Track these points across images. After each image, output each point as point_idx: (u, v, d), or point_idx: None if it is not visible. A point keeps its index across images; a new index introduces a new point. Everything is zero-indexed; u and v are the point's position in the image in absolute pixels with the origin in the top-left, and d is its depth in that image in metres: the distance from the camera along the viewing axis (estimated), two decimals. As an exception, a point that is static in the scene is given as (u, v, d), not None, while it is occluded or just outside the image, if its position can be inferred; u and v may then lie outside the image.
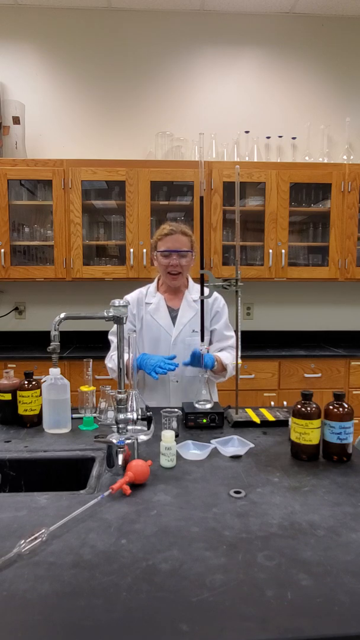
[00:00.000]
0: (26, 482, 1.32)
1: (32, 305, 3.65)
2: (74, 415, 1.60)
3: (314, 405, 1.29)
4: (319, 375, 3.19)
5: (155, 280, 2.05)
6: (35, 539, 0.87)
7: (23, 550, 0.85)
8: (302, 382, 3.18)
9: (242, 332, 1.71)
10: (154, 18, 3.53)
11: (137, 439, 1.25)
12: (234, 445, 1.38)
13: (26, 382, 1.58)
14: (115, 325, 1.34)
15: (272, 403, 3.16)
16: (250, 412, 1.67)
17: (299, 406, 1.30)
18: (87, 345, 3.47)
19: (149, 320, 1.94)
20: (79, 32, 3.51)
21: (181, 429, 1.55)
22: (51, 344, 1.35)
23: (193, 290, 2.00)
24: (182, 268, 1.89)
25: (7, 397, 1.60)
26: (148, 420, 1.44)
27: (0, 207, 3.17)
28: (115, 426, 1.29)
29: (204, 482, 1.16)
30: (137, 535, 0.91)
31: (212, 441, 1.37)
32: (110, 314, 1.31)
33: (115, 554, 0.85)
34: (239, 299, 1.63)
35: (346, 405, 1.29)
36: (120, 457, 1.19)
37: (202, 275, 1.66)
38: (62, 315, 1.35)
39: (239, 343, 1.67)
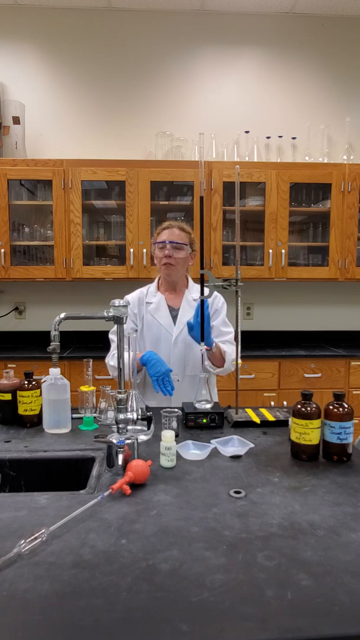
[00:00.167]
0: (26, 482, 1.32)
1: (32, 305, 3.65)
2: (74, 415, 1.60)
3: (314, 405, 1.29)
4: (319, 375, 3.19)
5: (156, 280, 2.05)
6: (35, 539, 0.87)
7: (23, 550, 0.85)
8: (302, 382, 3.18)
9: (242, 332, 1.71)
10: (154, 18, 3.53)
11: (137, 439, 1.25)
12: (234, 445, 1.38)
13: (26, 382, 1.58)
14: (116, 325, 1.34)
15: (272, 403, 3.16)
16: (250, 412, 1.67)
17: (299, 406, 1.30)
18: (87, 345, 3.47)
19: (150, 319, 1.95)
20: (79, 32, 3.51)
21: (181, 429, 1.55)
22: (51, 344, 1.35)
23: (193, 290, 2.01)
24: (177, 261, 1.89)
25: (7, 397, 1.59)
26: (148, 420, 1.44)
27: (0, 207, 3.17)
28: (115, 426, 1.29)
29: (204, 482, 1.16)
30: (137, 535, 0.91)
31: (212, 441, 1.37)
32: (110, 314, 1.31)
33: (115, 554, 0.85)
34: (239, 299, 1.63)
35: (346, 405, 1.29)
36: (120, 457, 1.18)
37: (202, 275, 1.66)
38: (62, 315, 1.35)
39: (239, 343, 1.67)
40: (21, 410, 1.58)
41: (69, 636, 0.67)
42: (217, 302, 1.99)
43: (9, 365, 3.01)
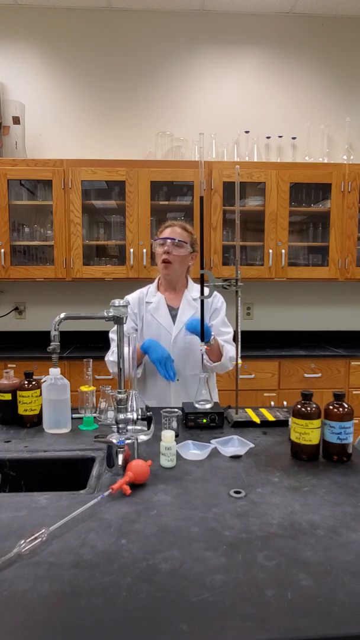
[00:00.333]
0: (26, 482, 1.32)
1: (32, 305, 3.65)
2: (74, 415, 1.60)
3: (314, 405, 1.29)
4: (319, 375, 3.19)
5: (156, 280, 2.05)
6: (35, 539, 0.87)
7: (23, 550, 0.85)
8: (302, 382, 3.18)
9: (242, 332, 1.71)
10: (154, 18, 3.53)
11: (137, 439, 1.25)
12: (234, 445, 1.38)
13: (26, 382, 1.58)
14: (116, 325, 1.34)
15: (272, 403, 3.16)
16: (250, 412, 1.67)
17: (299, 406, 1.30)
18: (87, 345, 3.47)
19: (149, 319, 1.95)
20: (79, 32, 3.51)
21: (181, 429, 1.55)
22: (51, 344, 1.35)
23: (193, 289, 2.01)
24: (175, 258, 1.89)
25: (7, 397, 1.59)
26: (148, 420, 1.44)
27: (0, 207, 3.17)
28: (115, 426, 1.29)
29: (204, 482, 1.16)
30: (137, 535, 0.91)
31: (212, 441, 1.37)
32: (110, 314, 1.31)
33: (115, 554, 0.85)
34: (239, 299, 1.63)
35: (346, 405, 1.29)
36: (120, 457, 1.18)
37: (202, 275, 1.66)
38: (62, 315, 1.35)
39: (239, 343, 1.67)
40: (21, 410, 1.58)
41: (69, 636, 0.67)
42: (217, 301, 1.99)
43: (9, 365, 3.01)
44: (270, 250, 3.28)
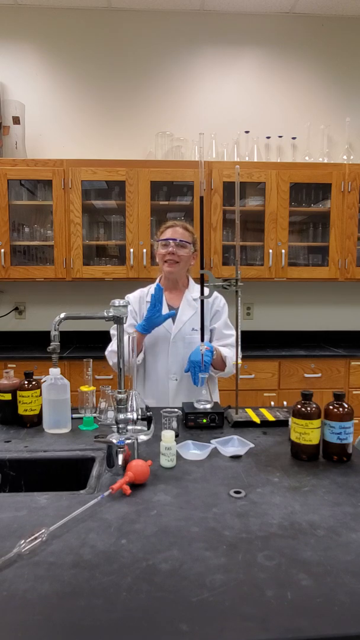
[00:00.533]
0: (26, 482, 1.32)
1: (32, 305, 3.65)
2: (74, 415, 1.60)
3: (314, 405, 1.29)
4: (319, 375, 3.19)
5: (157, 279, 2.05)
6: (35, 539, 0.87)
7: (23, 550, 0.85)
8: (302, 382, 3.18)
9: (242, 332, 1.71)
10: (154, 18, 3.53)
11: (137, 439, 1.25)
12: (234, 445, 1.38)
13: (26, 382, 1.58)
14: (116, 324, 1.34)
15: (272, 403, 3.16)
16: (250, 412, 1.67)
17: (299, 406, 1.30)
18: (87, 345, 3.47)
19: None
20: (79, 32, 3.51)
21: (181, 429, 1.55)
22: (51, 344, 1.35)
23: (193, 289, 2.01)
24: (179, 258, 1.89)
25: (7, 397, 1.59)
26: (148, 420, 1.44)
27: (0, 207, 3.17)
28: (115, 426, 1.29)
29: (204, 482, 1.16)
30: (137, 535, 0.91)
31: (212, 441, 1.37)
32: (110, 314, 1.31)
33: (115, 554, 0.85)
34: (239, 299, 1.63)
35: (346, 405, 1.29)
36: (120, 457, 1.18)
37: (202, 275, 1.66)
38: (62, 315, 1.35)
39: (239, 343, 1.67)
40: (21, 410, 1.57)
41: (69, 636, 0.67)
42: (218, 303, 1.99)
43: (9, 365, 3.01)
44: (270, 250, 3.28)
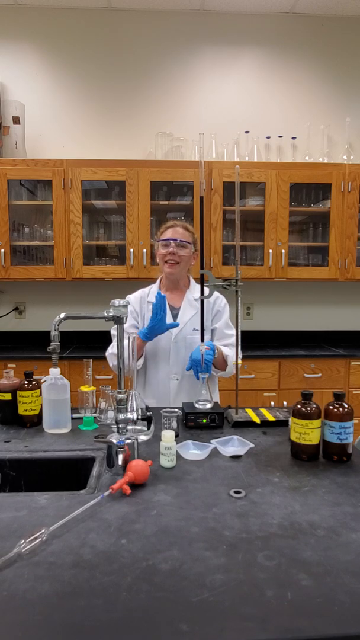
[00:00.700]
0: (26, 482, 1.32)
1: (32, 305, 3.65)
2: (74, 415, 1.60)
3: (314, 405, 1.29)
4: (319, 375, 3.19)
5: (158, 280, 2.06)
6: (35, 539, 0.87)
7: (23, 550, 0.85)
8: (302, 382, 3.18)
9: (242, 332, 1.71)
10: (154, 18, 3.53)
11: (137, 439, 1.25)
12: (234, 445, 1.38)
13: (26, 382, 1.58)
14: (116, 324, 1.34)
15: (272, 403, 3.16)
16: (250, 412, 1.67)
17: (299, 406, 1.30)
18: (87, 345, 3.47)
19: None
20: (79, 32, 3.51)
21: (181, 429, 1.55)
22: (51, 344, 1.34)
23: (194, 289, 2.01)
24: (180, 258, 1.89)
25: (7, 397, 1.59)
26: (148, 420, 1.44)
27: (0, 207, 3.17)
28: (115, 426, 1.29)
29: (204, 482, 1.16)
30: (137, 535, 0.91)
31: (212, 441, 1.37)
32: (110, 314, 1.31)
33: (115, 554, 0.85)
34: (239, 299, 1.63)
35: (346, 405, 1.29)
36: (120, 457, 1.18)
37: (202, 275, 1.66)
38: (62, 315, 1.35)
39: (239, 343, 1.67)
40: (21, 410, 1.57)
41: (69, 636, 0.67)
42: (219, 302, 1.99)
43: (9, 365, 3.01)
44: (270, 250, 3.28)
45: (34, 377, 1.59)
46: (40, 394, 1.57)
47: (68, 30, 3.50)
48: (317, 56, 3.63)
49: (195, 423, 1.56)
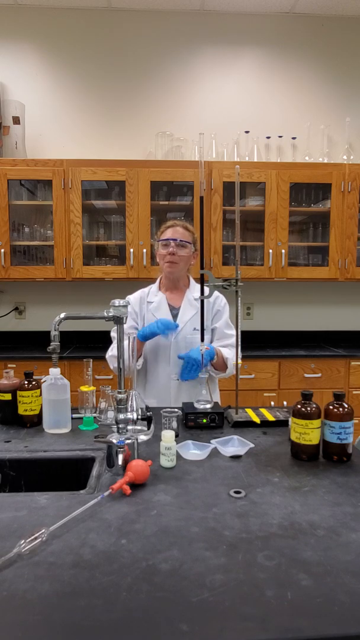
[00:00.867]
0: (26, 482, 1.32)
1: (32, 305, 3.65)
2: (74, 415, 1.60)
3: (314, 405, 1.29)
4: (319, 375, 3.19)
5: (158, 280, 2.06)
6: (35, 539, 0.87)
7: (23, 550, 0.85)
8: (302, 382, 3.18)
9: (242, 332, 1.71)
10: (154, 18, 3.53)
11: (137, 439, 1.25)
12: (234, 445, 1.38)
13: (26, 382, 1.58)
14: (116, 325, 1.34)
15: (272, 403, 3.16)
16: (250, 412, 1.67)
17: (299, 406, 1.30)
18: (87, 345, 3.47)
19: (150, 318, 1.95)
20: (79, 32, 3.51)
21: (181, 429, 1.55)
22: (51, 344, 1.35)
23: (194, 289, 2.01)
24: (180, 258, 1.89)
25: (7, 397, 1.59)
26: (148, 420, 1.44)
27: (0, 207, 3.17)
28: (115, 426, 1.29)
29: (204, 482, 1.16)
30: (137, 535, 0.91)
31: (212, 441, 1.37)
32: (110, 314, 1.31)
33: (115, 554, 0.85)
34: (239, 299, 1.63)
35: (346, 405, 1.29)
36: (120, 457, 1.18)
37: (202, 275, 1.66)
38: (62, 315, 1.35)
39: (239, 343, 1.67)
40: (21, 410, 1.57)
41: (69, 636, 0.67)
42: (219, 302, 1.99)
43: (9, 365, 3.01)
44: (270, 250, 3.28)
45: (34, 377, 1.59)
46: (40, 394, 1.57)
47: (68, 30, 3.50)
48: (317, 56, 3.63)
49: (195, 423, 1.56)
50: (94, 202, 3.35)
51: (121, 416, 1.28)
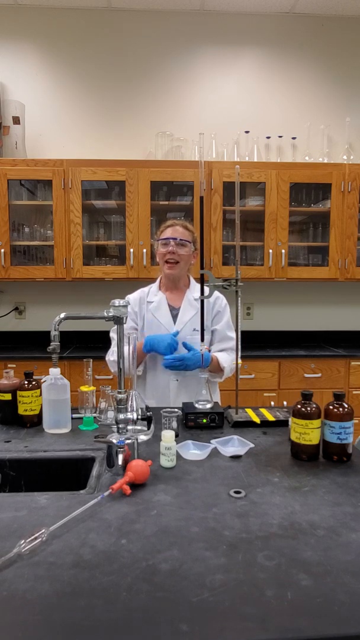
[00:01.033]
0: (26, 482, 1.32)
1: (32, 305, 3.65)
2: (74, 415, 1.60)
3: (314, 405, 1.29)
4: (319, 375, 3.19)
5: (158, 279, 2.05)
6: (35, 539, 0.87)
7: (23, 550, 0.85)
8: (302, 382, 3.18)
9: (242, 332, 1.71)
10: (154, 18, 3.53)
11: (137, 439, 1.25)
12: (234, 445, 1.38)
13: (26, 382, 1.58)
14: (116, 325, 1.34)
15: (272, 403, 3.16)
16: (250, 412, 1.67)
17: (299, 406, 1.30)
18: (87, 345, 3.47)
19: (150, 318, 1.95)
20: (79, 32, 3.51)
21: (181, 429, 1.55)
22: (51, 344, 1.34)
23: (194, 289, 2.01)
24: (180, 257, 1.89)
25: (7, 397, 1.59)
26: (148, 420, 1.44)
27: (0, 207, 3.17)
28: (115, 426, 1.29)
29: (204, 482, 1.16)
30: (137, 535, 0.91)
31: (212, 441, 1.37)
32: (110, 314, 1.31)
33: (115, 554, 0.85)
34: (239, 299, 1.63)
35: (346, 405, 1.29)
36: (120, 457, 1.18)
37: (202, 275, 1.66)
38: (62, 315, 1.35)
39: (239, 343, 1.67)
40: (21, 410, 1.57)
41: (69, 636, 0.67)
42: (220, 303, 1.99)
43: (9, 365, 3.01)
44: (270, 250, 3.28)
45: (34, 377, 1.59)
46: (40, 394, 1.57)
47: (68, 30, 3.50)
48: (317, 56, 3.63)
49: (195, 423, 1.56)
50: (94, 202, 3.35)
51: (121, 416, 1.28)
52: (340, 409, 1.28)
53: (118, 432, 1.28)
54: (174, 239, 1.87)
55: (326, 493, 1.10)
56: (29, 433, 1.53)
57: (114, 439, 1.22)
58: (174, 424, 1.42)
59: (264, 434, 1.51)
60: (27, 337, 3.59)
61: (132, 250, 3.21)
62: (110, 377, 2.93)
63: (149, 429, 1.45)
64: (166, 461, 1.24)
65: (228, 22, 3.56)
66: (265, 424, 1.58)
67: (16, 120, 3.32)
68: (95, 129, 3.56)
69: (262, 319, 3.73)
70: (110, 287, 3.28)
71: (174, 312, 1.96)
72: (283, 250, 3.28)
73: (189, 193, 3.34)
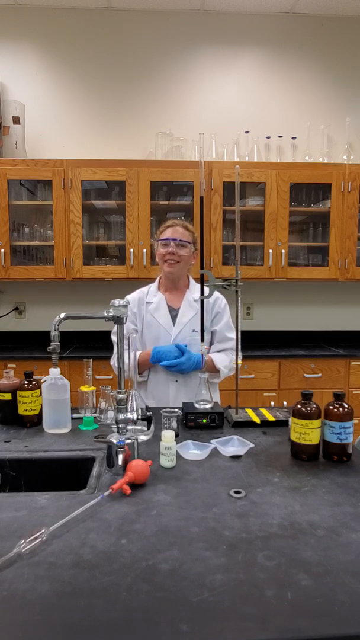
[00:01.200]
0: (26, 482, 1.32)
1: (32, 305, 3.65)
2: (74, 415, 1.60)
3: (314, 405, 1.29)
4: (319, 375, 3.19)
5: (157, 280, 2.05)
6: (35, 539, 0.87)
7: (23, 550, 0.85)
8: (302, 382, 3.18)
9: (242, 332, 1.71)
10: (154, 18, 3.53)
11: (137, 439, 1.25)
12: (234, 445, 1.38)
13: (26, 382, 1.58)
14: (116, 325, 1.34)
15: (272, 403, 3.16)
16: (250, 412, 1.67)
17: (299, 406, 1.30)
18: (87, 345, 3.47)
19: (149, 319, 1.94)
20: (79, 32, 3.51)
21: (181, 429, 1.55)
22: (51, 344, 1.35)
23: (194, 289, 2.00)
24: (180, 257, 1.89)
25: (7, 397, 1.59)
26: (148, 420, 1.44)
27: (0, 207, 3.17)
28: (115, 426, 1.29)
29: (204, 482, 1.16)
30: (137, 535, 0.91)
31: (212, 441, 1.37)
32: (110, 314, 1.31)
33: (115, 554, 0.85)
34: (239, 299, 1.63)
35: (346, 405, 1.29)
36: (120, 457, 1.18)
37: (202, 275, 1.66)
38: (62, 315, 1.35)
39: (239, 343, 1.67)
40: (21, 410, 1.57)
41: (69, 636, 0.67)
42: (220, 303, 1.98)
43: (9, 365, 3.01)
44: (270, 250, 3.28)
45: (34, 377, 1.59)
46: (40, 394, 1.57)
47: (68, 30, 3.50)
48: (317, 56, 3.63)
49: (195, 423, 1.56)
50: (94, 202, 3.35)
51: (121, 416, 1.28)
52: (340, 409, 1.28)
53: (118, 432, 1.29)
54: (174, 239, 1.87)
55: (326, 493, 1.10)
56: (29, 433, 1.53)
57: (114, 439, 1.22)
58: (174, 424, 1.42)
59: (264, 434, 1.51)
60: (27, 337, 3.59)
61: (132, 250, 3.21)
62: (110, 377, 2.93)
63: (149, 429, 1.45)
64: (166, 461, 1.24)
65: (228, 22, 3.56)
66: (265, 424, 1.58)
67: (16, 120, 3.32)
68: (95, 129, 3.56)
69: (262, 319, 3.73)
70: (110, 287, 3.28)
71: (174, 313, 1.95)
72: (283, 250, 3.28)
73: (189, 193, 3.34)
